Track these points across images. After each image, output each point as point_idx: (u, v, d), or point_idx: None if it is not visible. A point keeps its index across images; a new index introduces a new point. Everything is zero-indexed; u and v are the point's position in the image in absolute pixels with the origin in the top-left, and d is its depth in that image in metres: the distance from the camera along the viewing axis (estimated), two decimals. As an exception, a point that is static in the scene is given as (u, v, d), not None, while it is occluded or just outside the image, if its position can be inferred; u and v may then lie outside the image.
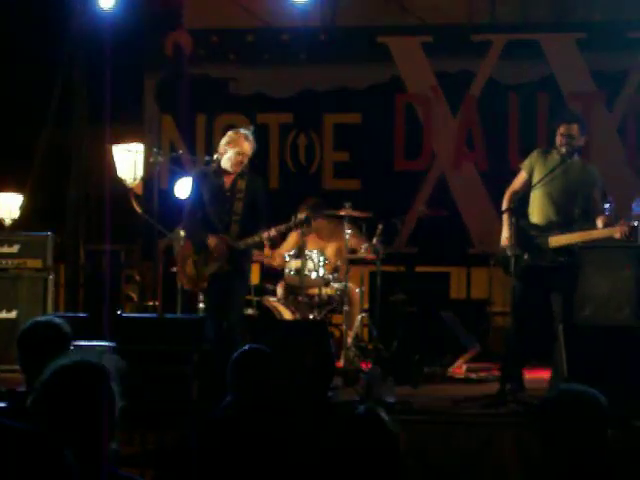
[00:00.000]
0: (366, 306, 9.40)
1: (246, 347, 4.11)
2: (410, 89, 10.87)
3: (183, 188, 8.75)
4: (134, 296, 10.17)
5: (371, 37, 10.74)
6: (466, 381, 8.45)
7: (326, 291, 8.82)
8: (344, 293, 8.83)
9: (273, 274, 9.37)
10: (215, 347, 6.93)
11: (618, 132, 10.42)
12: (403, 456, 3.16)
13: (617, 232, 6.98)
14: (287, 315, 8.69)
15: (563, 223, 7.27)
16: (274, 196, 9.24)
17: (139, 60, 11.07)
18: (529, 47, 10.50)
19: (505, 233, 7.32)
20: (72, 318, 7.20)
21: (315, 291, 8.80)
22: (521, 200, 7.45)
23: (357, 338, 8.91)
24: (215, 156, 7.61)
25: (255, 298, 8.83)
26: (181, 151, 10.02)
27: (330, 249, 9.14)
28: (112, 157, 9.63)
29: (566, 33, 10.54)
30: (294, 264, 8.77)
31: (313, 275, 8.68)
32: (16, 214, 10.32)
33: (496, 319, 9.82)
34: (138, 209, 9.54)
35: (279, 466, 3.69)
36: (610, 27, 10.33)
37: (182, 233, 8.25)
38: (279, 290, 9.04)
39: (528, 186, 7.43)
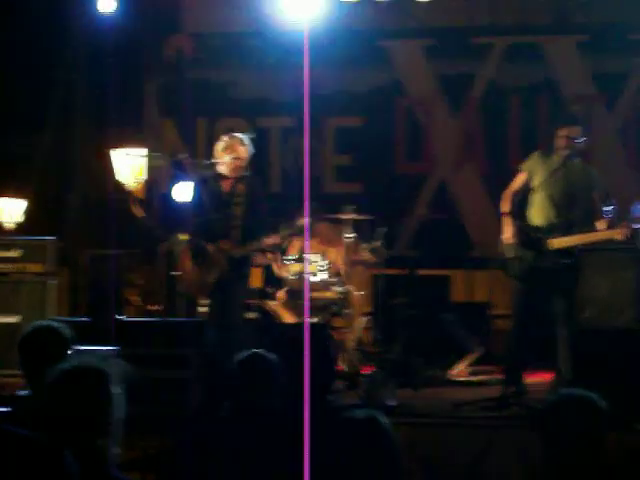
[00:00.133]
0: (367, 309, 9.39)
1: (246, 352, 4.11)
2: (411, 92, 10.88)
3: (182, 192, 8.75)
4: (136, 300, 10.16)
5: (372, 41, 10.75)
6: (467, 384, 8.45)
7: (327, 294, 8.81)
8: (345, 296, 8.83)
9: (275, 278, 9.36)
10: (216, 351, 6.93)
11: (619, 134, 10.42)
12: (402, 460, 3.15)
13: (618, 234, 6.98)
14: (288, 318, 8.68)
15: (564, 225, 7.26)
16: (275, 200, 9.22)
17: (140, 64, 11.08)
18: (530, 50, 10.51)
19: (507, 232, 7.32)
20: (74, 322, 7.19)
21: (316, 294, 8.80)
22: (520, 202, 7.46)
23: (358, 341, 8.90)
24: (212, 161, 7.61)
25: (256, 302, 8.82)
26: (181, 155, 10.01)
27: (331, 253, 9.13)
28: (113, 161, 9.63)
29: (567, 36, 10.55)
30: (295, 268, 8.76)
31: (314, 278, 8.67)
32: (18, 218, 10.32)
33: (497, 322, 9.81)
34: (139, 213, 9.54)
35: (277, 470, 3.69)
36: (611, 29, 10.33)
37: (182, 237, 8.24)
38: (280, 294, 9.03)
39: (526, 188, 7.43)
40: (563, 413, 3.38)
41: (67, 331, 4.38)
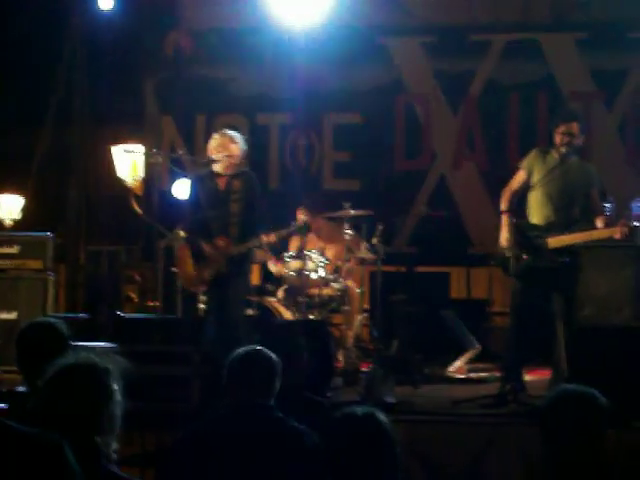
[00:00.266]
0: (366, 306, 9.40)
1: (245, 349, 4.10)
2: (410, 89, 10.88)
3: (181, 189, 8.75)
4: (134, 297, 10.16)
5: (371, 37, 10.74)
6: (466, 381, 8.44)
7: (326, 291, 8.81)
8: (344, 293, 8.83)
9: (274, 275, 9.36)
10: (216, 347, 6.93)
11: (618, 131, 10.42)
12: (401, 457, 3.15)
13: (617, 232, 6.97)
14: (287, 315, 8.68)
15: (562, 223, 7.26)
16: (274, 196, 9.24)
17: (139, 60, 11.07)
18: (529, 47, 10.51)
19: (504, 234, 7.31)
20: (72, 319, 7.20)
21: (315, 291, 8.80)
22: (519, 200, 7.45)
23: (357, 338, 8.91)
24: (209, 159, 7.61)
25: (255, 298, 8.82)
26: (181, 152, 10.03)
27: (330, 249, 9.13)
28: (112, 157, 9.63)
29: (566, 33, 10.54)
30: (294, 265, 8.76)
31: (313, 275, 8.67)
32: (17, 215, 10.32)
33: (496, 319, 9.82)
34: (138, 210, 9.54)
35: (276, 468, 3.69)
36: (610, 27, 10.33)
37: (181, 234, 8.24)
38: (279, 291, 9.03)
39: (526, 186, 7.43)
40: (563, 409, 3.38)
41: (65, 327, 4.38)
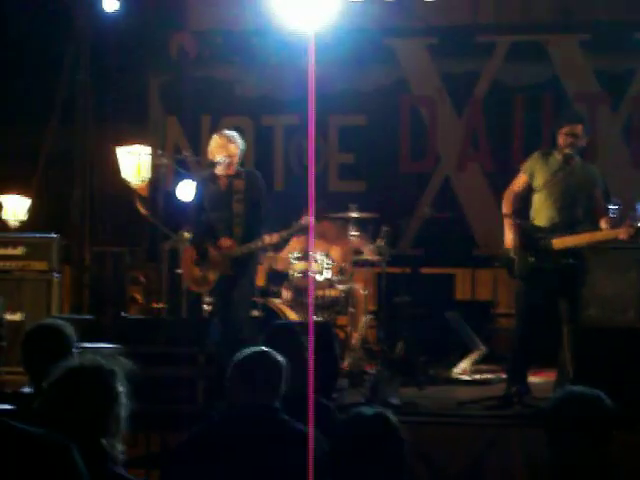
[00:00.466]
0: (371, 308, 9.39)
1: (250, 350, 4.09)
2: (415, 91, 10.87)
3: (185, 190, 8.76)
4: (139, 298, 10.17)
5: (377, 39, 10.73)
6: (471, 383, 8.44)
7: (331, 293, 8.81)
8: (349, 295, 8.83)
9: (279, 276, 9.36)
10: (221, 349, 6.93)
11: (623, 133, 10.41)
12: (408, 458, 3.15)
13: (622, 233, 6.96)
14: (292, 317, 8.68)
15: (567, 224, 7.25)
16: (279, 198, 9.23)
17: (144, 61, 11.08)
18: (533, 48, 10.50)
19: (509, 235, 7.31)
20: (77, 320, 7.20)
21: (320, 293, 8.79)
22: (522, 202, 7.45)
23: (362, 340, 8.90)
24: (212, 161, 7.62)
25: (260, 300, 8.83)
26: (186, 153, 10.03)
27: (335, 251, 9.13)
28: (117, 158, 9.63)
29: (570, 34, 10.53)
30: (299, 266, 8.76)
31: (318, 277, 8.67)
32: (22, 216, 10.32)
33: (501, 320, 9.81)
34: (143, 211, 9.54)
35: (281, 470, 3.69)
36: (614, 28, 10.31)
37: (186, 235, 8.25)
38: (284, 292, 9.03)
39: (528, 188, 7.42)
40: (568, 411, 3.37)
41: (71, 329, 4.39)
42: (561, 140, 7.29)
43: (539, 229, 7.31)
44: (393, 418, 3.20)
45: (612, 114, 10.42)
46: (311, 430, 3.13)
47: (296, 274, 8.78)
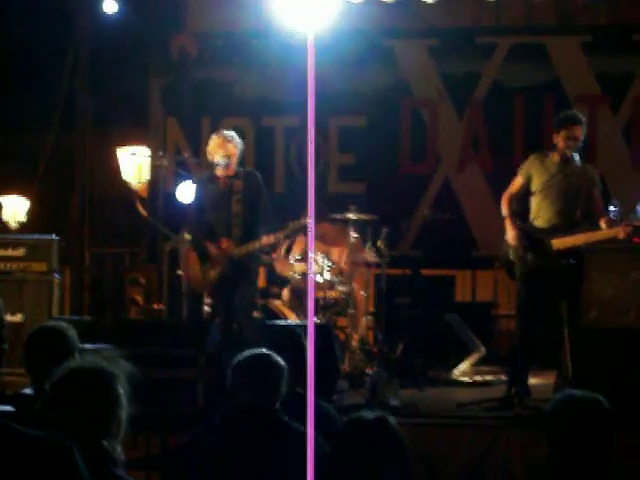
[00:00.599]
0: (371, 309, 9.40)
1: (250, 352, 4.09)
2: (415, 92, 10.87)
3: (185, 192, 8.76)
4: (139, 299, 10.17)
5: (377, 40, 10.73)
6: (471, 384, 8.44)
7: (331, 294, 8.82)
8: (349, 296, 8.83)
9: (279, 277, 9.36)
10: (221, 350, 6.93)
11: (623, 135, 10.41)
12: (410, 461, 3.16)
13: (621, 232, 6.97)
14: (293, 318, 8.69)
15: (566, 225, 7.26)
16: (279, 200, 9.23)
17: (144, 63, 11.08)
18: (534, 50, 10.49)
19: (511, 232, 7.30)
20: (77, 321, 7.20)
21: (320, 294, 8.80)
22: (520, 205, 7.45)
23: (362, 341, 8.91)
24: (211, 162, 7.62)
25: (261, 301, 8.83)
26: (186, 154, 10.04)
27: (335, 252, 9.13)
28: (117, 160, 9.64)
29: (571, 36, 10.52)
30: (299, 267, 8.77)
31: (318, 278, 8.67)
32: (22, 217, 10.32)
33: (501, 322, 9.81)
34: (143, 212, 9.55)
35: (280, 472, 3.69)
36: (615, 30, 10.32)
37: (187, 236, 8.25)
38: (285, 293, 9.04)
39: (525, 190, 7.43)
40: (567, 414, 3.37)
41: (73, 331, 4.40)
42: (560, 142, 7.29)
43: (539, 230, 7.31)
44: (394, 422, 3.20)
45: (612, 116, 10.42)
46: (311, 432, 3.13)
47: (296, 276, 8.79)
